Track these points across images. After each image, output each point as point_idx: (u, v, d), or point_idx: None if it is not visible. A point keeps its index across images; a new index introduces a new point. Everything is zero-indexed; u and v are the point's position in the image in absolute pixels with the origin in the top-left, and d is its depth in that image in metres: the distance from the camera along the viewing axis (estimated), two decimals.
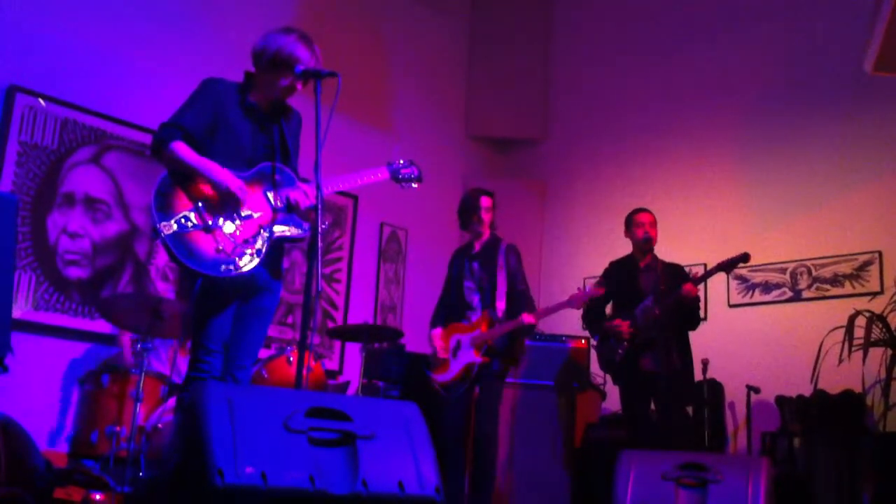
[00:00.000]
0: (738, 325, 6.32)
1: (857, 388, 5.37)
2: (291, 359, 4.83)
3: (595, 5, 7.95)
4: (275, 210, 3.31)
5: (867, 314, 5.36)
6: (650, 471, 3.73)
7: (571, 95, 7.89)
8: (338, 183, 3.50)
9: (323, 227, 3.10)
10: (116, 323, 4.76)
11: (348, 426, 2.49)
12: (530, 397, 5.60)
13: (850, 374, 5.31)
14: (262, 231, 3.27)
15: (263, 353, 4.61)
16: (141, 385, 4.24)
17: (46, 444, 4.83)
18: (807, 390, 5.45)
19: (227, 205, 3.21)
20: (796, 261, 6.20)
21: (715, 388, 5.94)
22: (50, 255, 5.16)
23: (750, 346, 6.18)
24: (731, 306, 6.43)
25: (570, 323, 6.76)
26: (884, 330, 5.34)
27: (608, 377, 5.57)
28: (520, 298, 4.85)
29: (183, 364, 4.94)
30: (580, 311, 5.41)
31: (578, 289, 4.95)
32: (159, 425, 4.30)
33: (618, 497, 3.73)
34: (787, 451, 5.52)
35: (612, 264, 5.41)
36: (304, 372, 3.45)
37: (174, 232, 3.11)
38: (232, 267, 3.16)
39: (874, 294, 5.75)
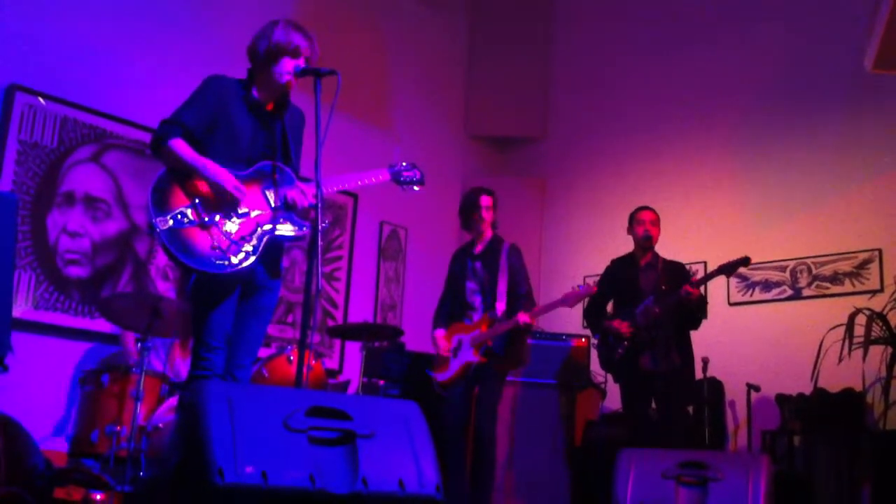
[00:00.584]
0: (739, 323, 6.32)
1: (858, 387, 5.37)
2: (291, 358, 4.83)
3: (595, 4, 7.94)
4: (273, 209, 3.30)
5: (867, 312, 5.37)
6: (650, 469, 3.73)
7: (571, 94, 7.88)
8: (338, 183, 3.50)
9: (323, 225, 3.10)
10: (116, 322, 4.76)
11: (348, 425, 2.49)
12: (531, 396, 5.60)
13: (850, 372, 5.31)
14: (259, 229, 3.27)
15: (263, 352, 4.61)
16: (141, 384, 4.24)
17: (46, 443, 4.82)
18: (807, 388, 5.46)
19: (224, 202, 3.22)
20: (796, 259, 6.20)
21: (715, 386, 5.94)
22: (50, 254, 5.16)
23: (750, 345, 6.18)
24: (731, 304, 6.43)
25: (571, 322, 6.76)
26: (884, 328, 5.34)
27: (608, 376, 5.58)
28: (520, 301, 4.84)
29: (181, 363, 4.95)
30: (581, 310, 5.41)
31: (573, 287, 4.93)
32: (159, 424, 4.30)
33: (618, 495, 3.74)
34: (788, 450, 5.53)
35: (614, 262, 5.41)
36: (305, 371, 3.45)
37: (170, 227, 3.12)
38: (226, 263, 3.16)
39: (874, 292, 5.76)
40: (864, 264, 5.90)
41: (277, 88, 3.39)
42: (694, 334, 5.18)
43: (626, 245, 5.43)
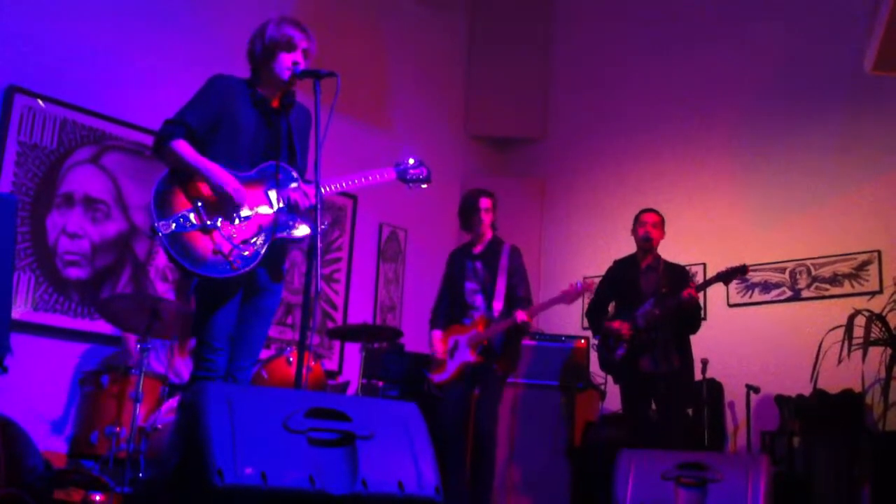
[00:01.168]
0: (738, 324, 6.32)
1: (857, 388, 5.37)
2: (291, 359, 4.83)
3: (595, 4, 7.94)
4: (276, 210, 3.29)
5: (866, 313, 5.37)
6: (650, 470, 3.73)
7: (571, 94, 7.88)
8: (342, 183, 3.47)
9: (322, 227, 3.09)
10: (115, 323, 4.76)
11: (348, 426, 2.49)
12: (530, 397, 5.61)
13: (849, 373, 5.31)
14: (261, 231, 3.25)
15: (263, 354, 4.59)
16: (140, 385, 4.24)
17: (46, 444, 4.81)
18: (806, 389, 5.46)
19: (226, 205, 3.21)
20: (795, 260, 6.20)
21: (714, 387, 5.94)
22: (49, 255, 5.16)
23: (749, 346, 6.18)
24: (730, 306, 6.43)
25: (571, 323, 6.77)
26: (883, 329, 5.34)
27: (608, 377, 5.58)
28: (520, 304, 4.84)
29: (180, 364, 4.95)
30: (581, 311, 5.42)
31: (570, 284, 4.92)
32: (159, 426, 4.30)
33: (617, 496, 3.74)
34: (787, 451, 5.52)
35: (616, 263, 5.42)
36: (304, 372, 3.45)
37: (172, 232, 3.10)
38: (228, 267, 3.15)
39: (873, 293, 5.76)
40: (863, 266, 5.90)
41: (280, 85, 3.37)
42: (693, 336, 5.19)
43: (626, 246, 5.43)
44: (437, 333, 4.98)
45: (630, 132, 7.35)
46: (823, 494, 5.20)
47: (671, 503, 3.63)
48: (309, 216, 3.30)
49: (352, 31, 6.96)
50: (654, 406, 5.15)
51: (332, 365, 6.51)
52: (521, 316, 4.69)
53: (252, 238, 3.22)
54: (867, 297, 5.71)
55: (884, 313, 5.41)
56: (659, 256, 5.26)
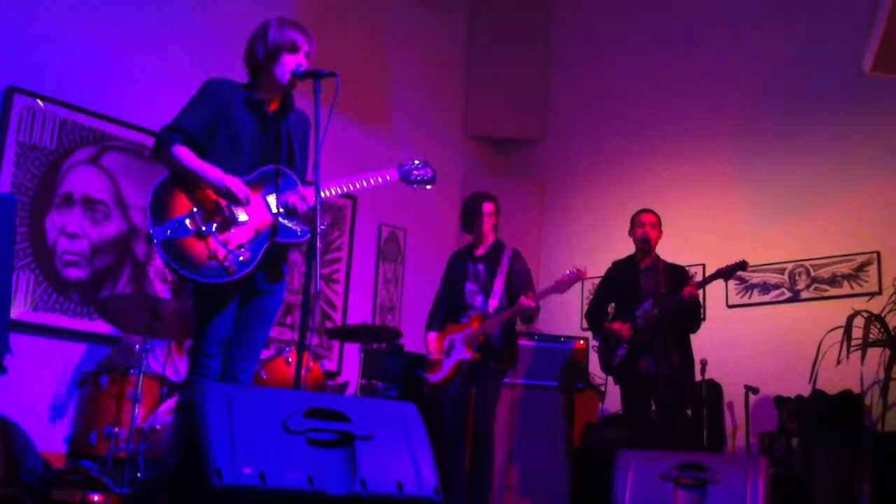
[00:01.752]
0: (737, 325, 6.32)
1: (856, 389, 5.37)
2: (290, 359, 4.83)
3: (594, 5, 7.95)
4: (273, 214, 3.28)
5: (865, 314, 5.37)
6: (649, 471, 3.73)
7: (570, 95, 7.89)
8: (344, 186, 3.44)
9: (322, 227, 3.08)
10: (115, 323, 4.76)
11: (347, 427, 2.49)
12: (530, 397, 5.61)
13: (848, 374, 5.31)
14: (258, 235, 3.24)
15: (262, 354, 4.61)
16: (140, 386, 4.24)
17: (44, 444, 4.81)
18: (805, 390, 5.46)
19: (224, 209, 3.20)
20: (795, 261, 6.20)
21: (713, 388, 5.94)
22: (48, 255, 5.16)
23: (748, 347, 6.18)
24: (729, 307, 6.43)
25: (570, 323, 6.77)
26: (882, 330, 5.34)
27: (608, 377, 5.58)
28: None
29: (181, 364, 4.95)
30: (581, 312, 5.42)
31: (563, 273, 4.90)
32: (158, 426, 4.30)
33: (616, 497, 3.74)
34: (786, 452, 5.52)
35: (615, 264, 5.42)
36: (303, 372, 3.45)
37: (167, 238, 3.10)
38: (223, 273, 3.14)
39: (872, 294, 5.76)
40: (862, 267, 5.90)
41: (281, 88, 3.37)
42: (693, 336, 5.19)
43: (625, 246, 5.43)
44: (433, 335, 4.99)
45: (629, 133, 7.35)
46: (822, 495, 5.20)
47: None
48: (308, 220, 3.29)
49: (351, 32, 6.96)
50: (653, 407, 5.14)
51: (331, 365, 6.51)
52: (527, 301, 4.66)
53: (248, 242, 3.21)
54: (866, 298, 5.71)
55: (883, 314, 5.41)
56: (658, 256, 5.26)
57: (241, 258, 3.18)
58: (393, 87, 7.40)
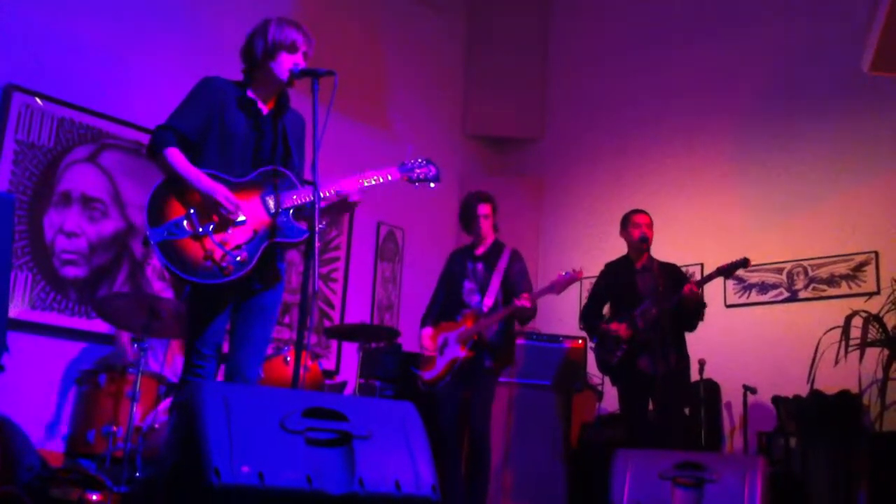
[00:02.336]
0: (735, 325, 6.32)
1: (854, 389, 5.37)
2: (288, 358, 4.82)
3: (592, 4, 7.95)
4: (272, 215, 3.27)
5: (864, 314, 5.37)
6: (647, 470, 3.73)
7: (569, 94, 7.89)
8: (343, 184, 3.42)
9: (320, 226, 3.08)
10: (113, 322, 4.76)
11: (345, 426, 2.49)
12: (527, 397, 5.60)
13: (846, 374, 5.32)
14: (256, 236, 3.23)
15: None
16: (138, 385, 4.24)
17: (42, 443, 4.82)
18: (803, 390, 5.46)
19: (218, 212, 3.20)
20: (793, 261, 6.21)
21: (712, 388, 5.95)
22: (46, 254, 5.16)
23: (747, 347, 6.18)
24: (727, 307, 6.44)
25: (567, 323, 6.76)
26: (880, 330, 5.34)
27: (605, 377, 5.58)
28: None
29: (180, 362, 4.94)
30: (578, 314, 5.42)
31: (559, 274, 4.88)
32: (156, 425, 4.30)
33: (614, 496, 3.74)
34: (784, 451, 5.53)
35: (608, 266, 5.41)
36: (301, 371, 3.45)
37: (164, 239, 3.11)
38: (220, 274, 3.14)
39: (870, 294, 5.76)
40: (860, 267, 5.91)
41: (278, 86, 3.37)
42: (690, 336, 5.19)
43: (624, 245, 5.43)
44: (427, 331, 4.98)
45: (627, 132, 7.36)
46: (820, 495, 5.21)
47: (668, 503, 3.63)
48: (306, 217, 3.29)
49: (350, 31, 6.97)
50: (651, 406, 5.14)
51: (329, 364, 6.51)
52: (520, 301, 4.67)
53: (246, 243, 3.20)
54: (864, 298, 5.72)
55: (881, 314, 5.42)
56: (652, 256, 5.26)
57: (239, 259, 3.17)
58: (391, 86, 7.40)
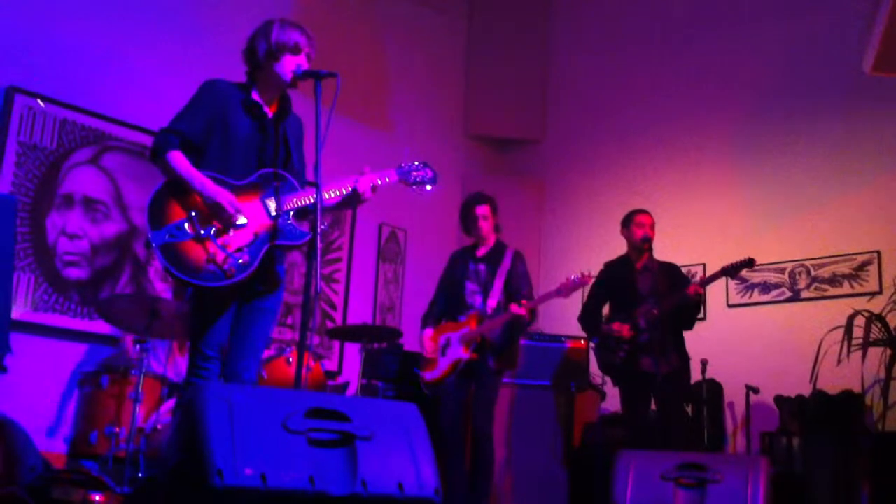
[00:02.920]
0: (737, 325, 6.32)
1: (856, 388, 5.38)
2: (290, 359, 4.83)
3: (594, 6, 7.95)
4: (273, 218, 3.27)
5: (866, 314, 5.37)
6: (649, 471, 3.73)
7: (570, 95, 7.89)
8: (342, 187, 3.41)
9: (322, 227, 3.08)
10: (115, 323, 4.76)
11: (347, 427, 2.49)
12: (529, 397, 5.60)
13: (849, 374, 5.32)
14: (257, 238, 3.23)
15: (263, 354, 4.61)
16: (140, 386, 4.24)
17: (45, 444, 4.82)
18: (806, 390, 5.46)
19: (220, 215, 3.20)
20: (795, 261, 6.20)
21: (714, 388, 5.94)
22: (49, 255, 5.16)
23: (749, 347, 6.18)
24: (730, 306, 6.44)
25: (569, 323, 6.75)
26: (882, 330, 5.34)
27: (607, 377, 5.57)
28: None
29: (182, 364, 4.95)
30: (578, 314, 5.42)
31: (567, 277, 4.87)
32: (158, 426, 4.30)
33: (616, 497, 3.73)
34: (786, 451, 5.52)
35: (608, 265, 5.41)
36: (304, 372, 3.45)
37: (165, 242, 3.11)
38: (222, 276, 3.14)
39: (873, 294, 5.76)
40: (862, 266, 5.91)
41: (280, 87, 3.38)
42: (693, 336, 5.19)
43: (625, 246, 5.43)
44: (428, 332, 4.98)
45: (629, 133, 7.35)
46: (823, 495, 5.20)
47: None
48: (308, 218, 3.29)
49: (352, 32, 6.97)
50: (653, 406, 5.14)
51: (331, 365, 6.51)
52: (515, 308, 4.67)
53: (247, 245, 3.20)
54: (867, 298, 5.72)
55: (883, 314, 5.42)
56: (652, 256, 5.26)
57: (241, 261, 3.17)
58: (393, 87, 7.40)
